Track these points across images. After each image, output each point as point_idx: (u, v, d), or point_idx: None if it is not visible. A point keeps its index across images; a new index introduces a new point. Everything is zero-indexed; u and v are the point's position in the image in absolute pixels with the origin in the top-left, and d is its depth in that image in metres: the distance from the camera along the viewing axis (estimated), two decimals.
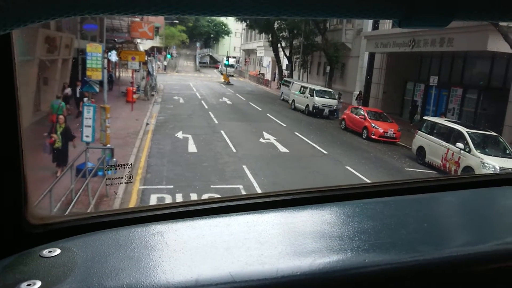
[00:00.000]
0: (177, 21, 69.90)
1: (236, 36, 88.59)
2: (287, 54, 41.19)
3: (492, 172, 11.36)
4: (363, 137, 18.53)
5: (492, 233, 1.02)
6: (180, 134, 16.08)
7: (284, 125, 20.19)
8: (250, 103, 28.41)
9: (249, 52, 73.77)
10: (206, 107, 24.70)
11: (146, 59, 27.57)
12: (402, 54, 25.57)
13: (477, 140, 12.93)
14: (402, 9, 0.54)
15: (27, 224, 0.82)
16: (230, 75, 55.01)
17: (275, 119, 21.85)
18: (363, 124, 18.62)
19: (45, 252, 0.77)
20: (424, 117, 17.08)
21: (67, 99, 16.63)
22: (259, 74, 56.39)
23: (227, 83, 44.96)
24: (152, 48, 62.79)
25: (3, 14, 0.40)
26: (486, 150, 12.77)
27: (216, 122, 19.46)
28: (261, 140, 16.13)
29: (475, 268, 0.86)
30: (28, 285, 0.68)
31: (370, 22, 30.71)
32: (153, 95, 28.21)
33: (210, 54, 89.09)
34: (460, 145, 12.73)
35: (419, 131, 15.53)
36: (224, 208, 1.02)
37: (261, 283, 0.73)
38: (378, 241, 0.89)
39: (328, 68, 31.91)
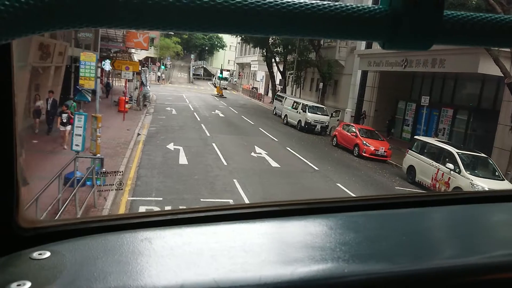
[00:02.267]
0: (172, 33, 70.30)
1: (230, 49, 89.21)
2: (281, 69, 41.47)
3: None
4: (354, 154, 18.59)
5: (474, 247, 1.03)
6: (171, 146, 16.01)
7: (276, 139, 20.20)
8: (243, 116, 28.46)
9: (243, 66, 74.23)
10: (199, 119, 24.67)
11: (140, 69, 27.56)
12: (394, 73, 25.88)
13: (467, 161, 13.03)
14: (385, 32, 0.54)
15: (17, 227, 0.83)
16: (224, 88, 55.22)
17: (267, 133, 21.87)
18: (355, 141, 18.70)
19: (35, 255, 0.79)
20: (415, 137, 17.21)
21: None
22: (252, 88, 56.68)
23: (220, 96, 45.09)
24: (147, 59, 62.96)
25: (5, 24, 0.41)
26: (476, 171, 12.86)
27: (208, 134, 19.42)
28: (252, 154, 16.10)
29: (454, 280, 0.88)
30: (18, 285, 0.69)
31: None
32: (146, 105, 28.17)
33: (204, 66, 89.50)
34: (450, 165, 12.81)
35: (410, 150, 15.62)
36: (211, 217, 1.03)
37: None
38: (358, 252, 0.92)
39: (321, 85, 32.12)
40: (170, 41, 69.15)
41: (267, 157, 15.56)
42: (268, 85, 56.16)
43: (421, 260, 0.91)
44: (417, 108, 24.99)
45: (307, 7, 0.51)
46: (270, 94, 52.24)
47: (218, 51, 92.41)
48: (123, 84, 26.82)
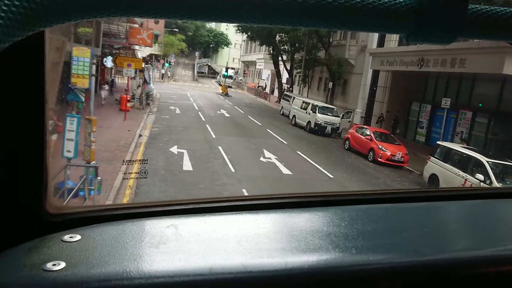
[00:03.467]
0: (176, 30, 69.24)
1: (235, 47, 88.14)
2: (288, 68, 40.33)
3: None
4: (369, 159, 17.46)
5: (490, 239, 1.04)
6: (174, 149, 14.94)
7: (285, 142, 19.09)
8: (249, 116, 27.36)
9: (248, 64, 73.09)
10: (203, 119, 23.60)
11: (143, 66, 26.51)
12: (408, 73, 24.72)
13: (498, 172, 11.90)
14: (410, 25, 0.54)
15: (45, 213, 0.85)
16: (228, 86, 54.10)
17: (275, 135, 20.76)
18: (369, 145, 17.57)
19: (67, 237, 0.81)
20: (438, 142, 16.01)
21: None
22: (258, 86, 55.53)
23: (225, 94, 43.98)
24: (151, 56, 61.99)
25: (40, 12, 0.42)
26: (508, 182, 11.74)
27: (214, 136, 18.34)
28: (261, 159, 15.00)
29: (473, 270, 0.89)
30: (53, 265, 0.71)
31: (376, 38, 29.99)
32: (148, 104, 27.11)
33: (209, 64, 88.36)
34: (480, 176, 11.67)
35: (431, 157, 14.47)
36: (233, 207, 1.05)
37: (272, 273, 0.77)
38: (380, 242, 0.95)
39: (330, 84, 30.96)
40: (174, 38, 68.17)
41: (278, 163, 14.46)
42: (274, 83, 55.08)
43: (443, 250, 0.93)
44: (433, 110, 23.84)
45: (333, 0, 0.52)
46: (276, 93, 51.16)
47: (223, 48, 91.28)
48: (125, 82, 25.84)
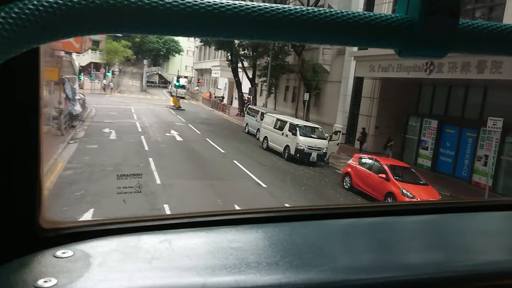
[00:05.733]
0: (120, 35, 62.05)
1: (188, 54, 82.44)
2: (250, 76, 34.77)
3: None
4: None
5: (462, 254, 1.04)
6: (89, 215, 8.88)
7: (264, 185, 13.32)
8: (208, 139, 21.39)
9: (202, 72, 67.20)
10: (147, 147, 17.41)
11: (62, 77, 20.00)
12: (404, 81, 19.82)
13: None
14: (402, 39, 0.55)
15: (39, 228, 0.84)
16: (181, 97, 47.76)
17: (247, 171, 14.96)
18: (386, 188, 12.17)
19: (59, 253, 0.81)
20: None
21: None
22: (215, 97, 49.54)
23: (178, 108, 37.69)
24: (90, 64, 54.50)
25: (36, 30, 0.44)
26: None
27: (158, 181, 12.28)
28: None
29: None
30: (45, 281, 0.71)
31: None
32: (73, 126, 20.56)
33: (159, 73, 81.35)
34: None
35: None
36: (227, 221, 1.04)
37: None
38: (374, 257, 0.97)
39: (306, 95, 25.60)
40: (118, 45, 60.94)
41: None
42: (233, 93, 49.43)
43: (436, 265, 0.93)
44: (440, 126, 18.98)
45: (325, 15, 0.53)
46: (235, 103, 45.58)
47: (175, 56, 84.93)
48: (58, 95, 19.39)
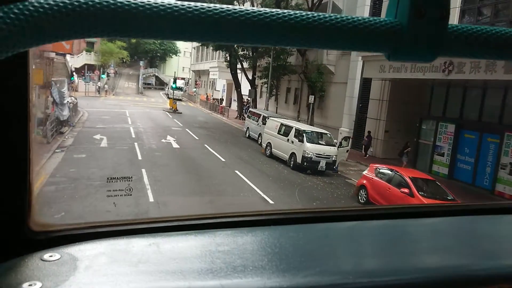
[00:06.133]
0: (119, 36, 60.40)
1: (185, 55, 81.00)
2: (250, 77, 33.33)
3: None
4: None
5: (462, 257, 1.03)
6: None
7: (271, 200, 11.85)
8: (207, 146, 19.94)
9: (200, 74, 65.82)
10: (140, 157, 15.94)
11: (49, 80, 18.52)
12: (416, 81, 18.46)
13: None
14: (391, 43, 0.55)
15: (29, 230, 0.84)
16: (178, 99, 46.31)
17: (250, 183, 13.50)
18: (410, 204, 10.74)
19: (46, 257, 0.81)
20: None
21: None
22: (214, 99, 48.10)
23: (174, 111, 36.21)
24: (85, 66, 52.93)
25: (26, 34, 0.44)
26: None
27: (151, 198, 10.81)
28: None
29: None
30: (29, 285, 0.71)
31: None
32: (62, 133, 19.09)
33: (156, 74, 79.86)
34: None
35: None
36: (216, 224, 1.04)
37: None
38: (362, 261, 0.97)
39: (311, 98, 24.19)
40: (113, 46, 59.36)
41: None
42: (231, 95, 48.02)
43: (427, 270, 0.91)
44: (457, 130, 17.58)
45: (314, 19, 0.53)
46: (233, 105, 44.19)
47: (172, 57, 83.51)
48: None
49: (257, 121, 23.23)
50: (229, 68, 36.63)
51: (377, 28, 0.54)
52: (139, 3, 0.48)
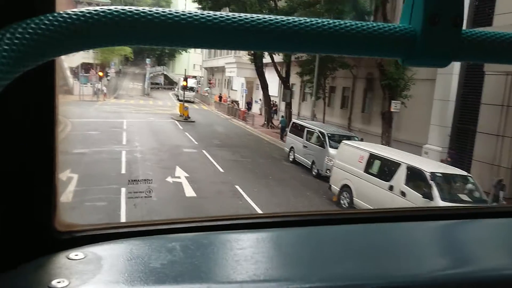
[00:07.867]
0: None
1: (196, 51, 73.57)
2: (283, 74, 25.65)
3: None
4: None
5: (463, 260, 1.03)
6: None
7: None
8: (238, 187, 12.33)
9: (213, 71, 58.43)
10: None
11: None
12: None
13: None
14: (405, 49, 0.56)
15: (54, 231, 0.86)
16: (190, 102, 38.93)
17: None
18: None
19: (72, 255, 0.83)
20: None
21: None
22: (233, 101, 40.40)
23: (186, 118, 28.74)
24: (82, 66, 45.79)
25: (55, 43, 0.47)
26: None
27: None
28: None
29: None
30: (58, 282, 0.73)
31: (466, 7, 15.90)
32: None
33: (165, 73, 72.75)
34: None
35: None
36: (233, 226, 1.05)
37: None
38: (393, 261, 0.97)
39: (395, 105, 16.39)
40: None
41: None
42: (252, 96, 40.43)
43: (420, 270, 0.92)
44: None
45: (329, 25, 0.55)
46: (255, 108, 36.69)
47: (181, 53, 76.21)
48: None
49: (303, 137, 15.70)
50: (253, 63, 29.06)
51: (392, 34, 0.55)
52: (161, 13, 0.50)
